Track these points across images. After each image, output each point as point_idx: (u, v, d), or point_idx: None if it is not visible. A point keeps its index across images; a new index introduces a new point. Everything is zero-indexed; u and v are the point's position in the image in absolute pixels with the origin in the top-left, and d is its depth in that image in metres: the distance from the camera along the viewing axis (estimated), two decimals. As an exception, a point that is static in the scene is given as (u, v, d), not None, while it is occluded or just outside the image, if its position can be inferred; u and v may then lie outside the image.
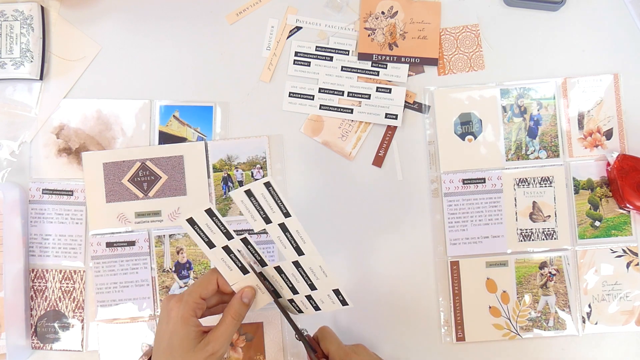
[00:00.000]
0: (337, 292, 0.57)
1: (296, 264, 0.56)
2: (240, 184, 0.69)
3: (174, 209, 0.73)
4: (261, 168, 0.67)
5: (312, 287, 0.57)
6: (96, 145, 0.74)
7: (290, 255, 0.55)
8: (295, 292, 0.58)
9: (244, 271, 0.56)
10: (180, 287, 0.72)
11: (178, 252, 0.73)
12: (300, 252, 0.55)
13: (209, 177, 0.72)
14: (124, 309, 0.72)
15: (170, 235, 0.72)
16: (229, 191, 0.64)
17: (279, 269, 0.57)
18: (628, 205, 0.69)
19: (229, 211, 0.72)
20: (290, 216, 0.53)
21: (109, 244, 0.72)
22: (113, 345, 0.72)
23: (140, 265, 0.72)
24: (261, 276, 0.57)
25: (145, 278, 0.72)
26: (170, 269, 0.72)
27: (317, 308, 0.59)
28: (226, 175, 0.68)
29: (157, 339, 0.52)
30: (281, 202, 0.53)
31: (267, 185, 0.51)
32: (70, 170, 0.74)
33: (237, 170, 0.69)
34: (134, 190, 0.73)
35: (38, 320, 0.72)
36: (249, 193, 0.52)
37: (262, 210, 0.53)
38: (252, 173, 0.66)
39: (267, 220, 0.54)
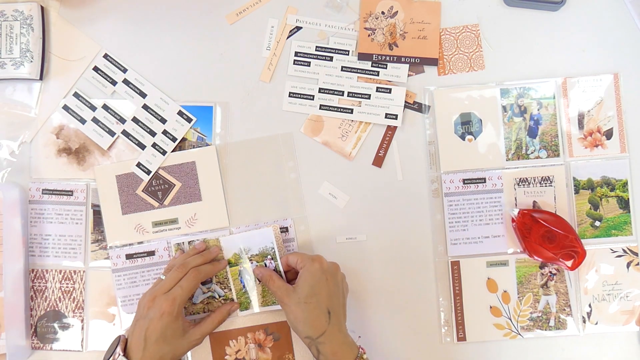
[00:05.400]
0: None
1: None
2: None
3: (190, 215, 0.72)
4: (272, 259, 0.68)
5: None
6: (96, 146, 0.73)
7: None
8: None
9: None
10: (204, 293, 0.70)
11: None
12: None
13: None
14: None
15: (189, 242, 0.72)
16: (246, 285, 0.70)
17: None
18: (537, 258, 0.69)
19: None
20: None
21: (129, 256, 0.72)
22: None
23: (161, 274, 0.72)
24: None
25: None
26: None
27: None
28: (242, 269, 0.69)
29: (148, 332, 0.60)
30: None
31: None
32: (70, 171, 0.73)
33: (252, 263, 0.69)
34: (149, 200, 0.73)
35: (38, 320, 0.72)
36: None
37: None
38: (265, 264, 0.69)
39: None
